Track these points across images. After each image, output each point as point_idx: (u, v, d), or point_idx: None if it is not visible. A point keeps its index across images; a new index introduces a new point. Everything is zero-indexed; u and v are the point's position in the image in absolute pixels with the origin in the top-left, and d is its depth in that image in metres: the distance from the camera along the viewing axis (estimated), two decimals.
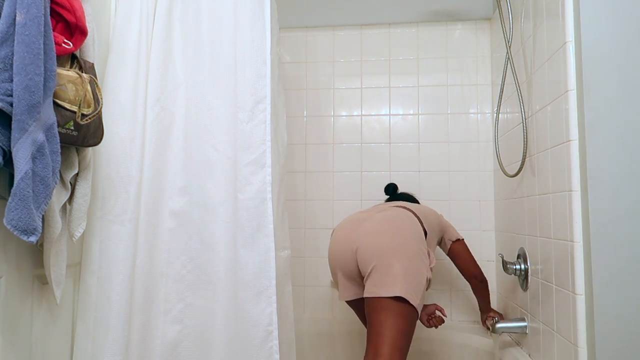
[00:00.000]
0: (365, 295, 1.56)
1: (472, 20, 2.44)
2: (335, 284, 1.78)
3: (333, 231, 1.80)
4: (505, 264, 1.82)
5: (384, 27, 2.50)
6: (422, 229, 1.70)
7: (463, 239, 1.96)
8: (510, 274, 1.82)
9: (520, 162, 1.75)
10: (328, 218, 2.43)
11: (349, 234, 1.69)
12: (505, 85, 1.94)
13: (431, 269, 1.62)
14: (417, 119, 2.44)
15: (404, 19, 2.46)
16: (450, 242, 1.94)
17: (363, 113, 2.48)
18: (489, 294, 2.02)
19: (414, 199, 2.16)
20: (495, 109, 2.22)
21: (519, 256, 1.82)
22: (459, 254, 1.95)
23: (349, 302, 1.74)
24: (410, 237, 1.61)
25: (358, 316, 1.80)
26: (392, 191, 2.23)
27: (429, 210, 1.90)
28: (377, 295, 1.51)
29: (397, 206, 1.81)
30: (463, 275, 1.98)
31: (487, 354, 1.99)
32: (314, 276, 2.41)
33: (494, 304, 2.31)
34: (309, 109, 2.52)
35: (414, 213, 1.75)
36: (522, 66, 1.82)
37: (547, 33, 1.51)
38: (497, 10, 2.05)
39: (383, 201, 2.18)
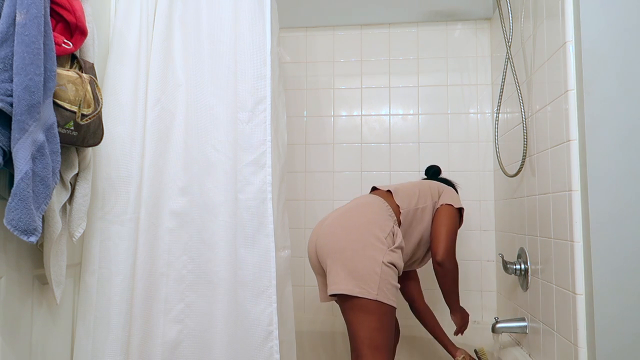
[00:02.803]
0: (328, 293, 1.54)
1: (472, 20, 2.44)
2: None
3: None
4: (505, 264, 1.82)
5: (384, 27, 2.50)
6: (387, 206, 1.62)
7: (457, 208, 1.73)
8: (510, 274, 1.82)
9: (520, 162, 1.75)
10: None
11: (314, 234, 1.67)
12: (505, 85, 1.94)
13: (398, 249, 1.53)
14: (417, 119, 2.44)
15: (404, 19, 2.46)
16: (439, 206, 1.73)
17: (363, 113, 2.48)
18: (453, 288, 1.72)
19: (447, 181, 2.01)
20: (495, 109, 2.22)
21: (519, 256, 1.82)
22: (437, 217, 1.70)
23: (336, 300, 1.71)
24: (359, 225, 1.54)
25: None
26: (431, 174, 2.07)
27: (427, 185, 1.78)
28: (329, 293, 1.51)
29: (373, 192, 1.76)
30: (431, 253, 1.70)
31: (487, 354, 1.99)
32: (314, 276, 2.41)
33: (494, 304, 2.31)
34: (309, 109, 2.52)
35: (388, 194, 1.69)
36: (522, 66, 1.82)
37: (547, 33, 1.51)
38: (497, 10, 2.05)
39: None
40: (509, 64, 1.84)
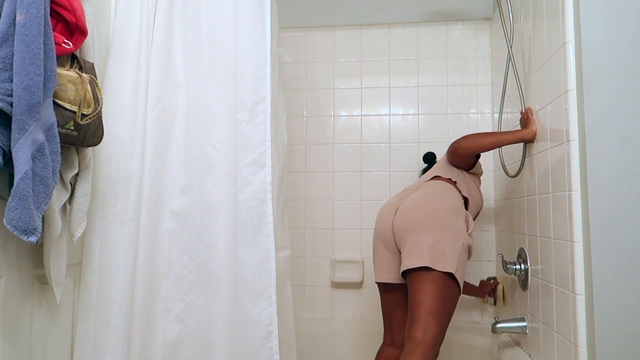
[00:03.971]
0: (401, 269, 1.59)
1: (472, 20, 2.44)
2: (375, 264, 1.79)
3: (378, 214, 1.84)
4: (505, 264, 1.82)
5: (384, 27, 2.50)
6: (459, 195, 1.72)
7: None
8: (510, 274, 1.82)
9: (520, 162, 1.75)
10: (328, 218, 2.43)
11: (386, 213, 1.73)
12: (505, 85, 1.94)
13: (470, 234, 1.64)
14: (417, 119, 2.44)
15: (404, 19, 2.46)
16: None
17: (363, 113, 2.48)
18: (488, 138, 1.75)
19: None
20: (496, 108, 2.22)
21: (519, 256, 1.82)
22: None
23: (381, 285, 1.76)
24: (441, 208, 1.63)
25: (381, 302, 1.80)
26: (429, 160, 2.25)
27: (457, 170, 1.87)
28: (406, 268, 1.55)
29: (432, 179, 1.81)
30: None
31: (487, 354, 1.99)
32: (314, 276, 2.42)
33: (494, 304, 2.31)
34: (309, 109, 2.52)
35: (450, 180, 1.77)
36: (522, 66, 1.82)
37: (547, 33, 1.51)
38: (497, 10, 2.05)
39: (419, 175, 2.29)
40: (510, 64, 1.84)
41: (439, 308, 1.50)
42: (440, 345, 1.51)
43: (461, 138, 1.74)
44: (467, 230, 1.64)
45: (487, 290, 2.11)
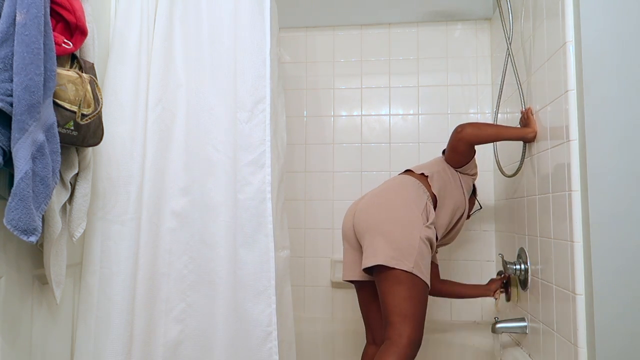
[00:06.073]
0: (362, 268, 1.60)
1: (472, 20, 2.44)
2: (343, 263, 1.79)
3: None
4: (505, 264, 1.82)
5: (384, 27, 2.50)
6: (424, 190, 1.67)
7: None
8: (510, 274, 1.82)
9: (518, 162, 1.75)
10: (328, 218, 2.43)
11: (350, 212, 1.74)
12: (505, 85, 1.94)
13: (432, 224, 1.60)
14: (417, 119, 2.44)
15: (404, 19, 2.46)
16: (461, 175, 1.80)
17: (363, 113, 2.48)
18: (494, 129, 1.75)
19: None
20: (495, 109, 2.22)
21: (519, 256, 1.82)
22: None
23: (353, 284, 1.76)
24: (393, 203, 1.62)
25: (358, 302, 1.81)
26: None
27: (444, 163, 1.82)
28: (363, 267, 1.57)
29: (401, 173, 1.81)
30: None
31: (487, 354, 1.99)
32: (314, 276, 2.42)
33: (494, 303, 2.30)
34: (309, 109, 2.52)
35: (422, 175, 1.73)
36: (522, 66, 1.82)
37: (547, 33, 1.51)
38: (497, 10, 2.05)
39: None
40: (509, 64, 1.84)
41: (407, 308, 1.49)
42: (418, 343, 1.50)
43: (466, 124, 1.69)
44: (426, 222, 1.59)
45: (496, 287, 1.98)
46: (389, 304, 1.52)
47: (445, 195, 1.73)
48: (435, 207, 1.69)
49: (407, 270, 1.49)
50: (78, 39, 1.09)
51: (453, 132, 1.73)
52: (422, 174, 1.74)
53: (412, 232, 1.54)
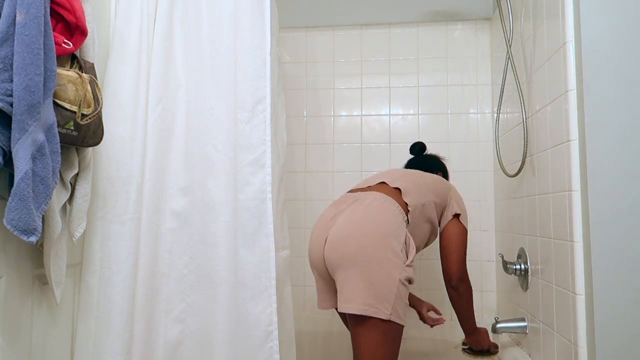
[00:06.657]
0: (338, 310, 1.51)
1: (472, 20, 2.44)
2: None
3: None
4: (505, 264, 1.82)
5: (384, 27, 2.50)
6: (399, 210, 1.53)
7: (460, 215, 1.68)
8: (510, 274, 1.82)
9: (520, 162, 1.75)
10: None
11: (318, 234, 1.59)
12: (505, 85, 1.94)
13: (409, 265, 1.46)
14: (417, 119, 2.44)
15: (404, 19, 2.46)
16: (449, 218, 1.68)
17: (363, 113, 2.48)
18: (469, 310, 1.70)
19: (439, 163, 1.97)
20: (495, 109, 2.22)
21: (519, 256, 1.82)
22: (448, 234, 1.67)
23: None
24: (372, 238, 1.46)
25: (342, 320, 1.76)
26: (417, 151, 2.02)
27: (433, 181, 1.70)
28: (340, 311, 1.47)
29: (377, 189, 1.61)
30: (443, 273, 1.68)
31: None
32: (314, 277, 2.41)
33: (494, 304, 2.31)
34: (309, 109, 2.52)
35: (397, 192, 1.58)
36: (522, 66, 1.82)
37: (547, 33, 1.51)
38: (497, 10, 2.05)
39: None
40: (509, 64, 1.84)
41: (381, 353, 1.43)
42: None
43: (464, 284, 1.65)
44: (407, 261, 1.46)
45: (435, 322, 1.79)
46: (362, 349, 1.45)
47: (420, 214, 1.61)
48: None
49: (384, 319, 1.40)
50: (78, 39, 1.09)
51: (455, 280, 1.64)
52: (398, 187, 1.59)
53: (392, 274, 1.42)
